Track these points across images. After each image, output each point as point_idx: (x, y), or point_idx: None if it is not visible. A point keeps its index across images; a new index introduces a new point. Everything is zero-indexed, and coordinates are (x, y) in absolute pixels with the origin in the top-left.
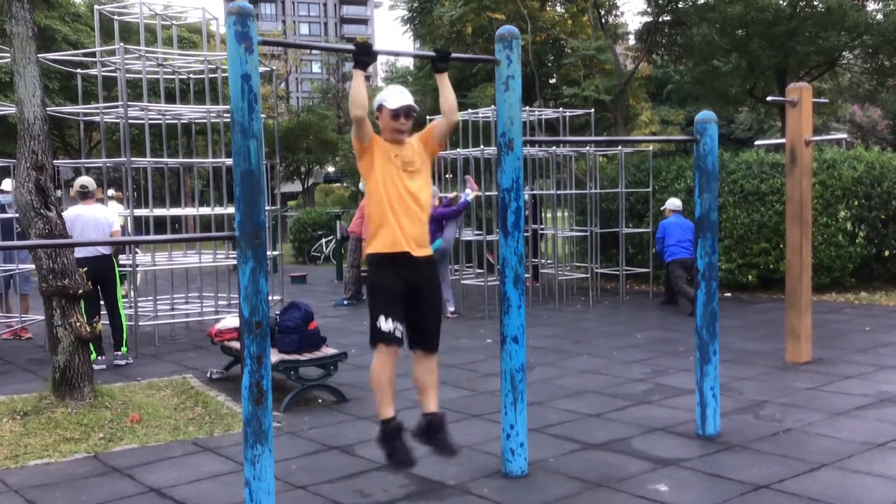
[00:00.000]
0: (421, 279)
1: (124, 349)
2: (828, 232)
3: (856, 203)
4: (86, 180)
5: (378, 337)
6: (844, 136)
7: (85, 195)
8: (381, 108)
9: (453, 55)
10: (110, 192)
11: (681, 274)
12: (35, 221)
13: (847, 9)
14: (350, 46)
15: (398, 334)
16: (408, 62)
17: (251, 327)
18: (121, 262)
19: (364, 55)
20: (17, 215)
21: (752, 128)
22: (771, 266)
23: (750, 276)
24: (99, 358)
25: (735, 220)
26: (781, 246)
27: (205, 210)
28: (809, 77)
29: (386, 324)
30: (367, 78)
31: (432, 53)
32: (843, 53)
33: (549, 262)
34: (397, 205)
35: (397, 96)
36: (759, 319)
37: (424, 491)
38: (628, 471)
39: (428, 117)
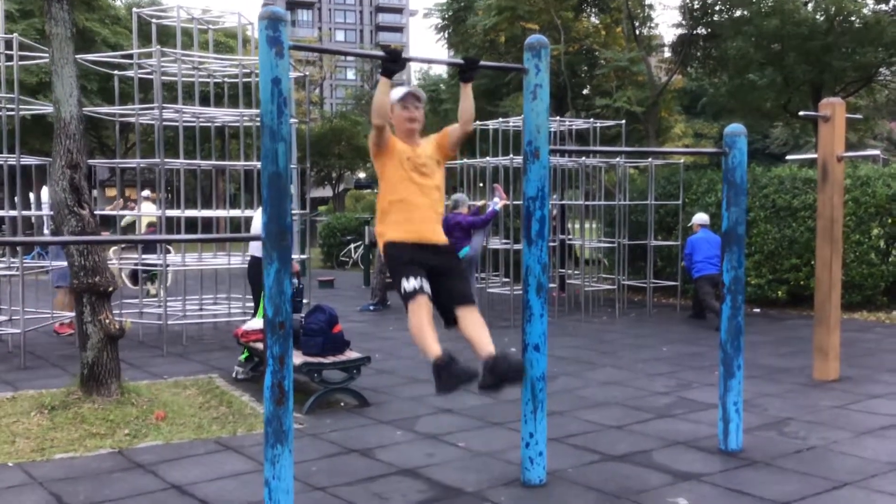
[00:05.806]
0: (443, 262)
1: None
2: (860, 249)
3: (889, 221)
4: None
5: (406, 298)
6: (878, 152)
7: None
8: (391, 108)
9: (482, 63)
10: (145, 192)
11: (709, 290)
12: (68, 219)
13: (885, 25)
14: (379, 52)
15: (425, 287)
16: (440, 70)
17: (275, 328)
18: (150, 262)
19: (392, 62)
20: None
21: (787, 143)
22: (801, 282)
23: (780, 292)
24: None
25: (766, 236)
26: (812, 262)
27: (235, 212)
28: (845, 93)
29: (408, 283)
30: (399, 85)
31: (461, 61)
32: (881, 70)
33: (575, 272)
34: (411, 200)
35: (400, 89)
36: (787, 336)
37: (442, 497)
38: (648, 483)
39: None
